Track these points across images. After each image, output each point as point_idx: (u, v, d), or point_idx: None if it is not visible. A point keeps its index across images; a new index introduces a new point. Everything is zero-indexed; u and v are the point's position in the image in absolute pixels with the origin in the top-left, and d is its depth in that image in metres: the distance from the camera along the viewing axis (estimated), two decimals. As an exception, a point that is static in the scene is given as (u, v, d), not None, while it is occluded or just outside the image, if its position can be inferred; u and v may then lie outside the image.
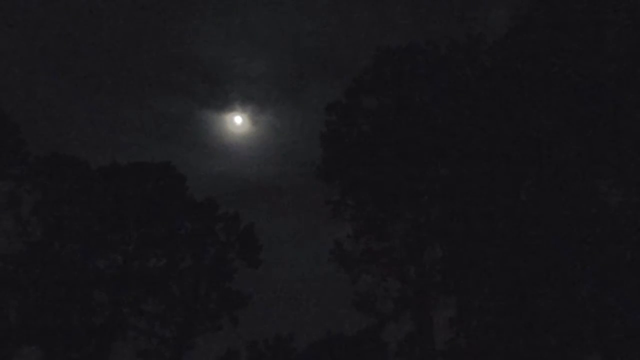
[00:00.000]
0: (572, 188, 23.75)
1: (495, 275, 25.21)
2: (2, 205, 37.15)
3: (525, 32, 25.43)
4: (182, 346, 39.73)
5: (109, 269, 39.49)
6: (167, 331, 39.99)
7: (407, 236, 32.24)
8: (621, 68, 22.04)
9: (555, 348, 22.38)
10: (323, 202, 33.73)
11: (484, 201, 26.69)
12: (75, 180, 39.57)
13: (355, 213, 33.19)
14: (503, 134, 26.37)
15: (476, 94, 27.99)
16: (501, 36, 27.42)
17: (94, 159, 41.61)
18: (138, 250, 40.67)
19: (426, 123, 30.74)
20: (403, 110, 31.35)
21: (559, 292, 22.64)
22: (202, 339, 41.28)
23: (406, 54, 32.10)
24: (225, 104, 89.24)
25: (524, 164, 25.06)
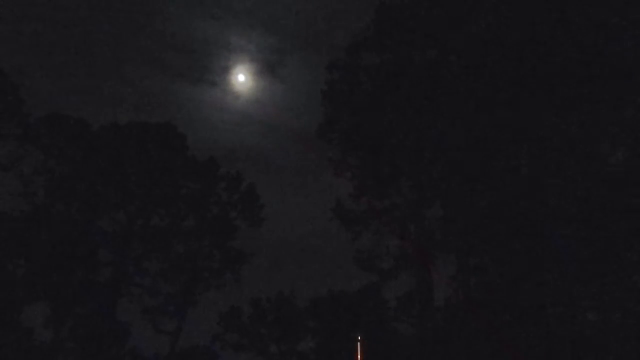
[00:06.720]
0: (573, 147, 23.65)
1: (495, 234, 25.36)
2: (4, 166, 37.20)
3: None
4: (186, 303, 40.47)
5: (113, 228, 39.87)
6: (171, 288, 40.68)
7: (408, 194, 32.31)
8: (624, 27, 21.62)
9: (551, 304, 22.70)
10: (322, 161, 33.72)
11: (486, 159, 26.62)
12: (76, 139, 39.48)
13: (356, 171, 33.19)
14: (506, 92, 26.06)
15: (479, 50, 27.50)
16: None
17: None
18: (141, 209, 40.95)
19: (428, 80, 30.30)
20: (405, 68, 30.86)
21: (558, 252, 22.81)
22: (206, 296, 42.05)
23: (407, 10, 31.34)
24: (203, 77, 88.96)
25: (527, 121, 24.86)
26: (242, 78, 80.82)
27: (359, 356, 35.03)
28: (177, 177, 41.97)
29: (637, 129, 21.67)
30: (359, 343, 35.94)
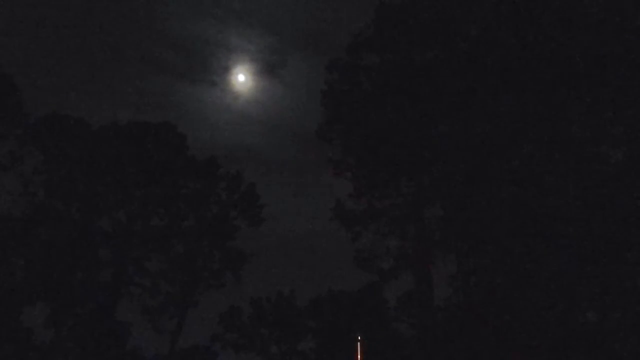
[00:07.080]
0: (573, 147, 23.63)
1: (495, 234, 25.35)
2: (4, 166, 37.21)
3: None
4: (186, 303, 40.47)
5: (113, 228, 39.87)
6: (171, 288, 40.69)
7: (408, 194, 32.31)
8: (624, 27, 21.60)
9: (552, 306, 22.68)
10: (322, 161, 33.76)
11: (486, 159, 26.60)
12: (76, 139, 39.48)
13: (356, 171, 33.18)
14: (506, 92, 26.05)
15: (479, 50, 27.49)
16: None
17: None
18: (141, 209, 40.95)
19: (428, 80, 30.29)
20: (405, 68, 30.84)
21: (558, 252, 22.79)
22: (206, 296, 42.09)
23: (407, 10, 31.35)
24: (203, 77, 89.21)
25: (527, 121, 24.85)
26: (242, 78, 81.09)
27: (359, 356, 35.04)
28: (177, 177, 41.96)
29: (637, 129, 21.65)
30: (359, 343, 35.96)
